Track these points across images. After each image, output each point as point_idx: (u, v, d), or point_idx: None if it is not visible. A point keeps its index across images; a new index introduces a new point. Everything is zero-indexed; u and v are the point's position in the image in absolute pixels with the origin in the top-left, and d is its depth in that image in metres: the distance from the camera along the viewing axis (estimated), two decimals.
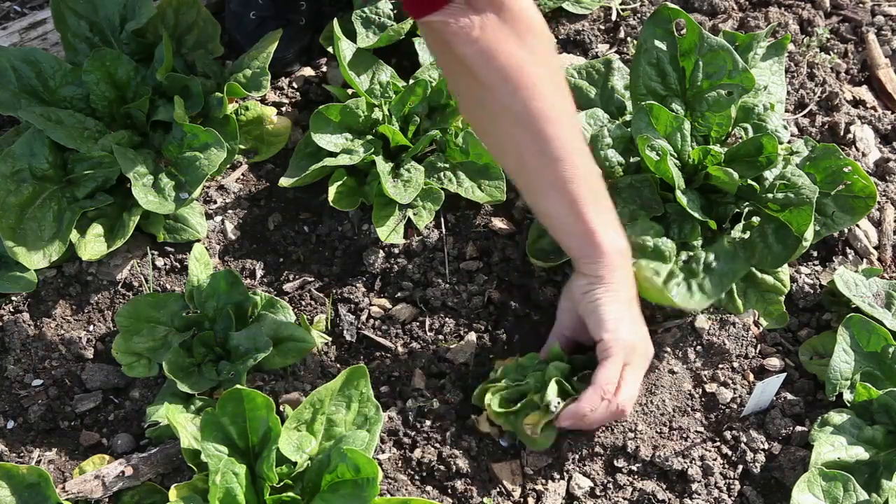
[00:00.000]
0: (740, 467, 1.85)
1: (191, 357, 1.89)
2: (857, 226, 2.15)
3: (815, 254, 2.14)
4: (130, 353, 1.91)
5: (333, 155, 2.14)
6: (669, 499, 1.82)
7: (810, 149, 2.10)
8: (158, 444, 1.83)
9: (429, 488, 1.83)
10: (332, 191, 2.12)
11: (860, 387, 1.83)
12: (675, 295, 1.90)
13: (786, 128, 2.10)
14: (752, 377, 1.97)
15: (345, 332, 2.03)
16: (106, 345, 2.01)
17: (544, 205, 1.81)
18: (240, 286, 1.93)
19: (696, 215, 1.98)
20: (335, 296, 2.08)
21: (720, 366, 1.98)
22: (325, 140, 2.15)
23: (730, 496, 1.81)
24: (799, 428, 1.89)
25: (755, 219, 2.02)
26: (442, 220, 2.15)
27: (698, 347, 1.99)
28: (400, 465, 1.86)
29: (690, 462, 1.85)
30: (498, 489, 1.83)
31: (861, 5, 2.67)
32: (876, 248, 2.16)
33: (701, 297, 1.91)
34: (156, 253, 2.13)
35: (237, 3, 2.42)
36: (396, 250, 2.12)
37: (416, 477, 1.85)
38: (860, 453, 1.78)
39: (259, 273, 2.14)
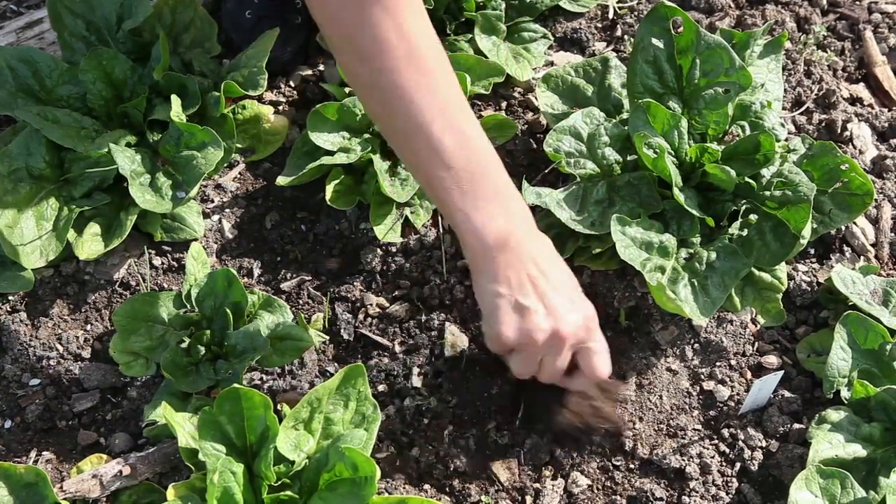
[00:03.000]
0: (738, 465, 1.85)
1: (188, 356, 1.89)
2: (855, 223, 2.15)
3: (812, 251, 2.14)
4: (128, 353, 1.91)
5: (331, 153, 2.14)
6: (667, 497, 1.82)
7: (807, 146, 2.10)
8: (156, 444, 1.83)
9: (427, 487, 1.83)
10: (329, 189, 2.12)
11: (858, 384, 1.83)
12: (683, 298, 1.89)
13: (783, 125, 2.10)
14: (749, 375, 1.97)
15: (342, 330, 2.03)
16: (103, 344, 2.01)
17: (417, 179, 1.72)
18: (237, 285, 1.93)
19: (695, 213, 1.98)
20: (332, 294, 2.08)
21: (718, 364, 1.98)
22: (322, 139, 2.15)
23: (727, 494, 1.82)
24: (796, 425, 1.89)
25: (753, 216, 2.02)
26: (439, 218, 2.15)
27: (696, 345, 1.99)
28: (398, 463, 1.86)
29: (688, 460, 1.85)
30: (496, 487, 1.83)
31: (858, 3, 2.67)
32: (873, 245, 2.17)
33: (706, 301, 1.90)
34: (153, 252, 2.13)
35: (234, 2, 2.42)
36: (394, 249, 2.12)
37: (414, 475, 1.85)
38: (858, 451, 1.78)
39: (256, 272, 2.14)
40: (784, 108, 2.37)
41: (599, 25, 2.56)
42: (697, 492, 1.81)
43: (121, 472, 1.74)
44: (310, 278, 2.12)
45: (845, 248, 2.15)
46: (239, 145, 2.26)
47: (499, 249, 1.64)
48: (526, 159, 2.25)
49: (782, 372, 1.91)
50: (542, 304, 1.65)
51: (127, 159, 2.05)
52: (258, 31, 2.31)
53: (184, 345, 1.90)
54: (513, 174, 2.20)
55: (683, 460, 1.85)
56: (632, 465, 1.87)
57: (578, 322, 1.69)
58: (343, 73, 1.61)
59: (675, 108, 2.08)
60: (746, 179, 2.01)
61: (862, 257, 2.14)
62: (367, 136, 2.18)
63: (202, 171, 2.04)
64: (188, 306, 1.94)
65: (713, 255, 1.96)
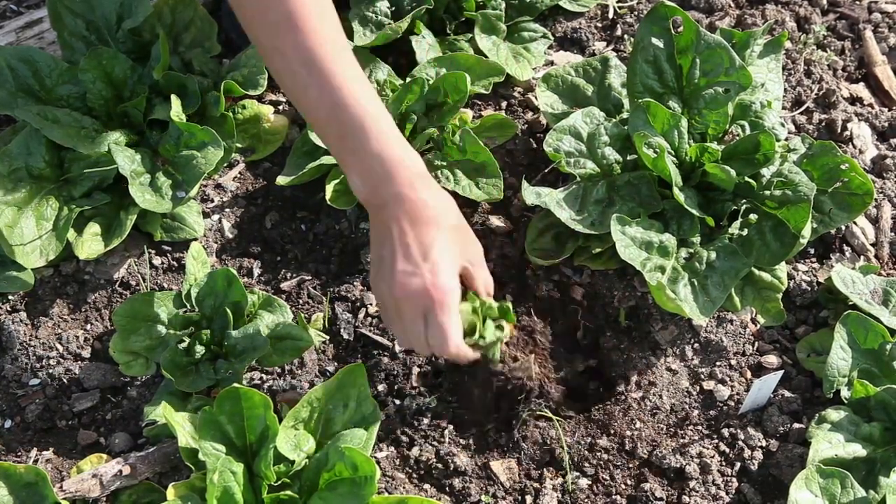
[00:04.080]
0: (738, 465, 1.85)
1: (188, 356, 1.89)
2: (855, 223, 2.15)
3: (812, 251, 2.14)
4: (128, 352, 1.91)
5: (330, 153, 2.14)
6: (667, 496, 1.82)
7: (807, 146, 2.10)
8: (156, 443, 1.83)
9: (427, 486, 1.83)
10: (329, 189, 2.12)
11: (857, 384, 1.83)
12: (683, 297, 1.89)
13: (783, 125, 2.10)
14: (749, 375, 1.97)
15: (342, 330, 2.03)
16: (103, 344, 2.01)
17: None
18: (237, 285, 1.93)
19: (695, 212, 1.98)
20: (332, 294, 2.08)
21: (718, 363, 1.98)
22: None
23: (727, 494, 1.82)
24: (796, 425, 1.89)
25: (753, 216, 2.02)
26: None
27: (696, 345, 1.99)
28: (398, 463, 1.86)
29: (688, 460, 1.85)
30: (496, 487, 1.83)
31: (858, 2, 2.67)
32: (873, 245, 2.16)
33: (706, 301, 1.90)
34: (153, 252, 2.13)
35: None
36: None
37: (414, 475, 1.85)
38: (858, 450, 1.78)
39: (256, 272, 2.14)
40: (784, 108, 2.37)
41: (599, 25, 2.56)
42: (697, 491, 1.81)
43: (121, 471, 1.74)
44: (310, 278, 2.12)
45: (845, 247, 2.15)
46: (239, 145, 2.26)
47: (379, 207, 1.62)
48: (526, 159, 2.25)
49: (782, 372, 1.91)
50: (420, 264, 1.59)
51: (127, 159, 2.05)
52: None
53: (184, 344, 1.90)
54: (513, 174, 2.22)
55: (683, 460, 1.85)
56: (631, 465, 1.87)
57: (449, 284, 1.60)
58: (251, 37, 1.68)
59: (675, 107, 2.08)
60: (746, 179, 2.01)
61: (862, 257, 2.14)
62: None
63: (202, 170, 2.04)
64: (188, 306, 1.94)
65: (713, 255, 1.96)
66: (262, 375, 1.96)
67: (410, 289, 1.59)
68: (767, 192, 1.98)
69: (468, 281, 1.71)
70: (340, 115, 1.61)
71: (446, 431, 1.89)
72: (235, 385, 1.67)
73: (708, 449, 1.87)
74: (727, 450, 1.87)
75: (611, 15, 2.56)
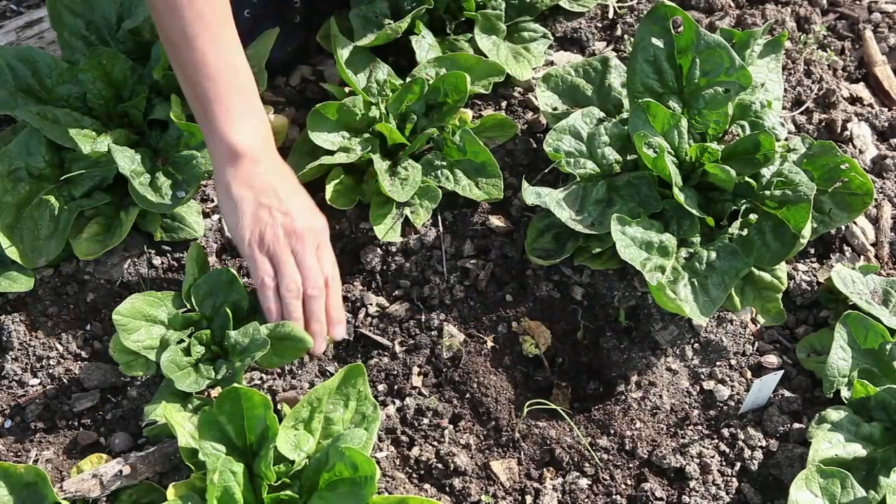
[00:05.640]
0: (738, 465, 1.85)
1: (188, 356, 1.89)
2: (855, 223, 2.15)
3: (812, 251, 2.14)
4: (128, 352, 1.91)
5: (331, 153, 2.14)
6: (667, 496, 1.82)
7: (807, 146, 2.10)
8: (156, 443, 1.83)
9: (427, 486, 1.83)
10: (329, 189, 2.12)
11: (858, 384, 1.83)
12: (683, 297, 1.89)
13: (783, 125, 2.10)
14: (749, 374, 1.97)
15: None
16: (103, 344, 2.01)
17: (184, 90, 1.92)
18: (237, 285, 1.93)
19: (694, 212, 1.98)
20: None
21: (718, 363, 1.98)
22: (322, 138, 2.15)
23: (727, 493, 1.82)
24: (797, 425, 1.89)
25: (753, 216, 2.02)
26: (439, 218, 2.15)
27: (696, 345, 1.99)
28: (398, 463, 1.86)
29: (688, 459, 1.85)
30: (496, 487, 1.83)
31: (858, 2, 2.67)
32: (873, 245, 2.16)
33: (706, 301, 1.90)
34: (153, 252, 2.12)
35: (232, 1, 2.41)
36: (394, 248, 2.12)
37: (414, 475, 1.85)
38: (858, 450, 1.78)
39: None
40: (784, 108, 2.37)
41: (599, 25, 2.56)
42: (697, 491, 1.81)
43: (121, 471, 1.74)
44: None
45: (845, 247, 2.15)
46: None
47: (247, 159, 1.84)
48: (526, 159, 2.25)
49: (782, 371, 1.91)
50: (282, 205, 1.85)
51: (127, 159, 2.05)
52: (257, 31, 2.31)
53: (184, 344, 1.89)
54: (513, 174, 2.22)
55: (683, 460, 1.85)
56: (631, 465, 1.87)
57: (317, 225, 1.91)
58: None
59: (674, 107, 2.08)
60: (746, 179, 2.01)
61: (862, 257, 2.14)
62: (367, 135, 2.18)
63: (202, 170, 2.04)
64: (188, 306, 1.94)
65: (713, 255, 1.96)
66: (263, 375, 1.96)
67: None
68: (767, 192, 1.98)
69: None
70: (237, 80, 1.88)
71: (446, 431, 1.89)
72: (235, 385, 1.67)
73: (708, 449, 1.87)
74: (727, 450, 1.87)
75: (611, 15, 2.56)
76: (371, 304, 2.06)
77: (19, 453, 1.87)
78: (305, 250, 1.86)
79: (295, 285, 1.83)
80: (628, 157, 2.09)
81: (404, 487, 1.81)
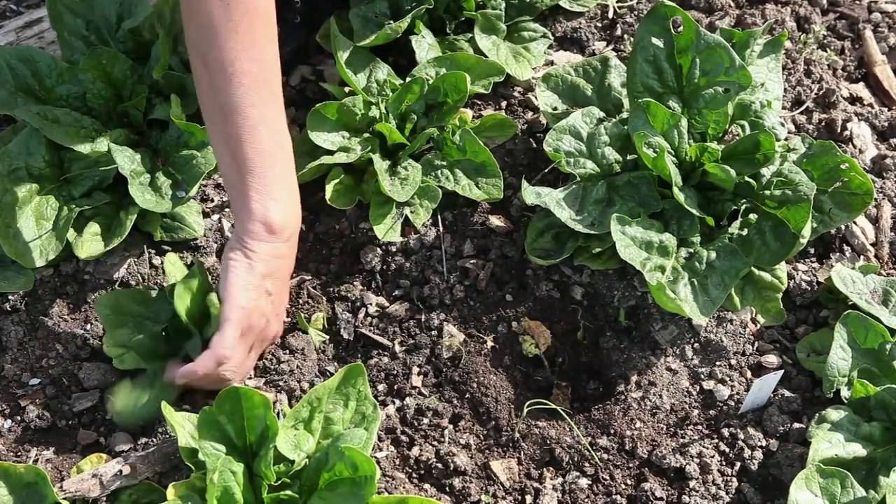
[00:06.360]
0: (738, 464, 1.85)
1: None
2: (855, 223, 2.15)
3: (812, 251, 2.14)
4: (118, 346, 1.91)
5: (330, 153, 2.14)
6: (667, 496, 1.82)
7: (807, 146, 2.10)
8: (156, 443, 1.83)
9: (427, 486, 1.83)
10: (329, 189, 2.12)
11: (857, 384, 1.83)
12: (683, 297, 1.89)
13: (783, 125, 2.10)
14: (749, 374, 1.97)
15: (342, 330, 2.03)
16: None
17: (215, 154, 1.84)
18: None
19: (694, 212, 1.98)
20: (332, 294, 2.08)
21: (718, 363, 1.98)
22: (322, 138, 2.15)
23: (727, 493, 1.82)
24: (796, 425, 1.89)
25: (753, 216, 2.02)
26: (439, 218, 2.15)
27: (696, 345, 1.99)
28: (398, 463, 1.86)
29: (688, 459, 1.85)
30: (496, 487, 1.83)
31: (858, 2, 2.67)
32: (873, 244, 2.16)
33: (706, 301, 1.90)
34: (153, 252, 2.12)
35: None
36: (394, 248, 2.12)
37: (414, 475, 1.85)
38: (858, 450, 1.78)
39: None
40: (784, 108, 2.37)
41: (599, 25, 2.56)
42: (697, 491, 1.81)
43: (121, 471, 1.74)
44: (310, 278, 2.12)
45: (845, 247, 2.15)
46: None
47: (272, 235, 1.79)
48: (526, 159, 2.25)
49: (782, 371, 1.91)
50: (275, 301, 1.86)
51: (126, 158, 2.05)
52: None
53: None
54: (513, 174, 2.22)
55: (683, 460, 1.85)
56: (631, 465, 1.87)
57: (278, 334, 1.93)
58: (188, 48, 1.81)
59: (674, 107, 2.08)
60: (746, 179, 2.01)
61: (862, 257, 2.14)
62: (366, 135, 2.18)
63: (202, 170, 2.04)
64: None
65: (713, 255, 1.96)
66: (263, 375, 1.96)
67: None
68: (767, 192, 1.98)
69: None
70: (282, 155, 1.83)
71: (446, 431, 1.89)
72: (235, 385, 1.67)
73: (708, 449, 1.87)
74: (727, 449, 1.87)
75: (611, 15, 2.56)
76: (371, 304, 2.06)
77: (19, 453, 1.87)
78: (256, 353, 1.89)
79: (237, 376, 1.83)
80: (628, 157, 2.09)
81: (404, 487, 1.81)
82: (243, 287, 1.77)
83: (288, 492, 1.65)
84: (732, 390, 1.95)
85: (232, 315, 1.76)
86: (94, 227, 2.07)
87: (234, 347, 1.77)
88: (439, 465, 1.84)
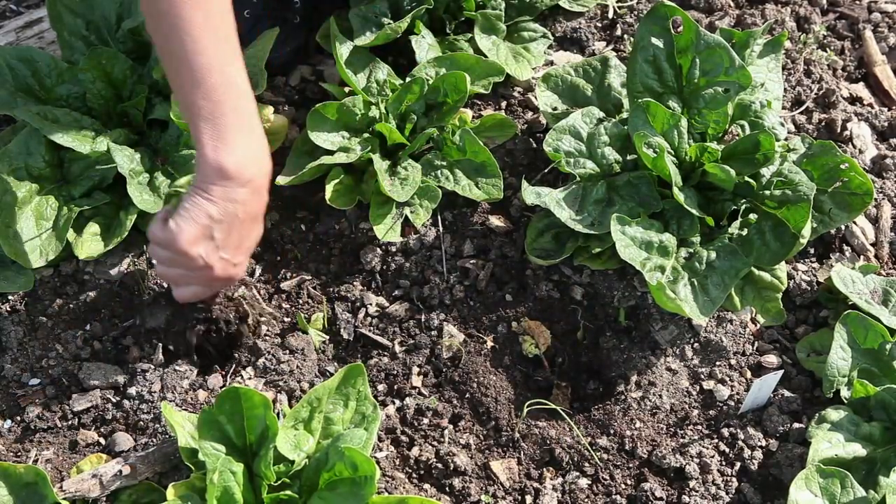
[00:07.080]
0: (738, 464, 1.85)
1: None
2: (854, 223, 2.15)
3: (812, 251, 2.14)
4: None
5: (330, 153, 2.14)
6: (667, 496, 1.82)
7: (807, 146, 2.10)
8: (156, 444, 1.83)
9: (427, 486, 1.83)
10: (329, 189, 2.12)
11: (857, 383, 1.83)
12: (683, 297, 1.89)
13: (783, 125, 2.10)
14: (749, 374, 1.97)
15: (342, 330, 2.03)
16: (103, 344, 2.01)
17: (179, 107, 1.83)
18: None
19: (694, 212, 1.98)
20: (332, 294, 2.08)
21: (718, 363, 1.98)
22: (321, 138, 2.15)
23: (727, 493, 1.82)
24: (796, 425, 1.89)
25: (752, 216, 2.02)
26: (439, 218, 2.15)
27: (696, 345, 1.99)
28: (398, 463, 1.86)
29: (688, 459, 1.85)
30: (496, 487, 1.83)
31: (857, 2, 2.67)
32: (873, 244, 2.16)
33: (706, 301, 1.90)
34: None
35: (232, 1, 2.41)
36: (394, 248, 2.12)
37: (414, 475, 1.85)
38: (858, 450, 1.78)
39: (257, 271, 2.14)
40: (784, 108, 2.37)
41: (599, 25, 2.56)
42: (697, 491, 1.81)
43: (120, 471, 1.74)
44: (309, 278, 2.12)
45: (845, 247, 2.15)
46: None
47: (228, 180, 1.72)
48: (525, 159, 2.25)
49: (782, 371, 1.91)
50: (229, 245, 1.76)
51: (126, 158, 2.05)
52: (256, 31, 2.31)
53: None
54: (513, 174, 2.22)
55: (683, 460, 1.85)
56: (631, 465, 1.87)
57: (239, 274, 1.82)
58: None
59: (674, 107, 2.08)
60: (746, 179, 2.01)
61: (862, 257, 2.14)
62: (366, 135, 2.18)
63: None
64: None
65: (713, 255, 1.96)
66: (263, 375, 1.96)
67: None
68: (767, 192, 1.98)
69: None
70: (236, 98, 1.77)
71: (446, 431, 1.89)
72: (235, 385, 1.67)
73: (708, 449, 1.87)
74: (727, 450, 1.87)
75: (611, 15, 2.56)
76: (371, 304, 2.06)
77: (19, 453, 1.87)
78: (199, 292, 1.84)
79: (167, 277, 1.81)
80: (628, 157, 2.09)
81: (404, 487, 1.81)
82: (188, 218, 1.71)
83: (288, 492, 1.65)
84: (732, 390, 1.95)
85: (172, 222, 1.72)
86: (93, 227, 2.07)
87: (160, 229, 1.73)
88: (439, 466, 1.84)
